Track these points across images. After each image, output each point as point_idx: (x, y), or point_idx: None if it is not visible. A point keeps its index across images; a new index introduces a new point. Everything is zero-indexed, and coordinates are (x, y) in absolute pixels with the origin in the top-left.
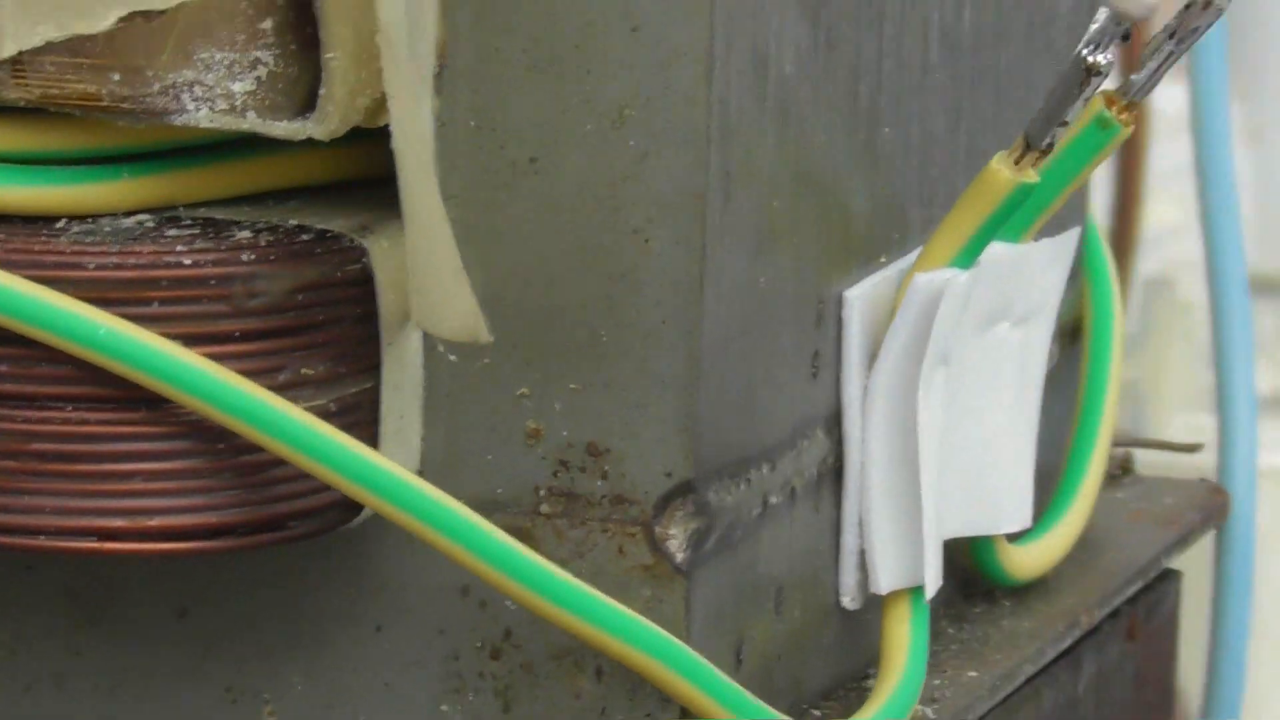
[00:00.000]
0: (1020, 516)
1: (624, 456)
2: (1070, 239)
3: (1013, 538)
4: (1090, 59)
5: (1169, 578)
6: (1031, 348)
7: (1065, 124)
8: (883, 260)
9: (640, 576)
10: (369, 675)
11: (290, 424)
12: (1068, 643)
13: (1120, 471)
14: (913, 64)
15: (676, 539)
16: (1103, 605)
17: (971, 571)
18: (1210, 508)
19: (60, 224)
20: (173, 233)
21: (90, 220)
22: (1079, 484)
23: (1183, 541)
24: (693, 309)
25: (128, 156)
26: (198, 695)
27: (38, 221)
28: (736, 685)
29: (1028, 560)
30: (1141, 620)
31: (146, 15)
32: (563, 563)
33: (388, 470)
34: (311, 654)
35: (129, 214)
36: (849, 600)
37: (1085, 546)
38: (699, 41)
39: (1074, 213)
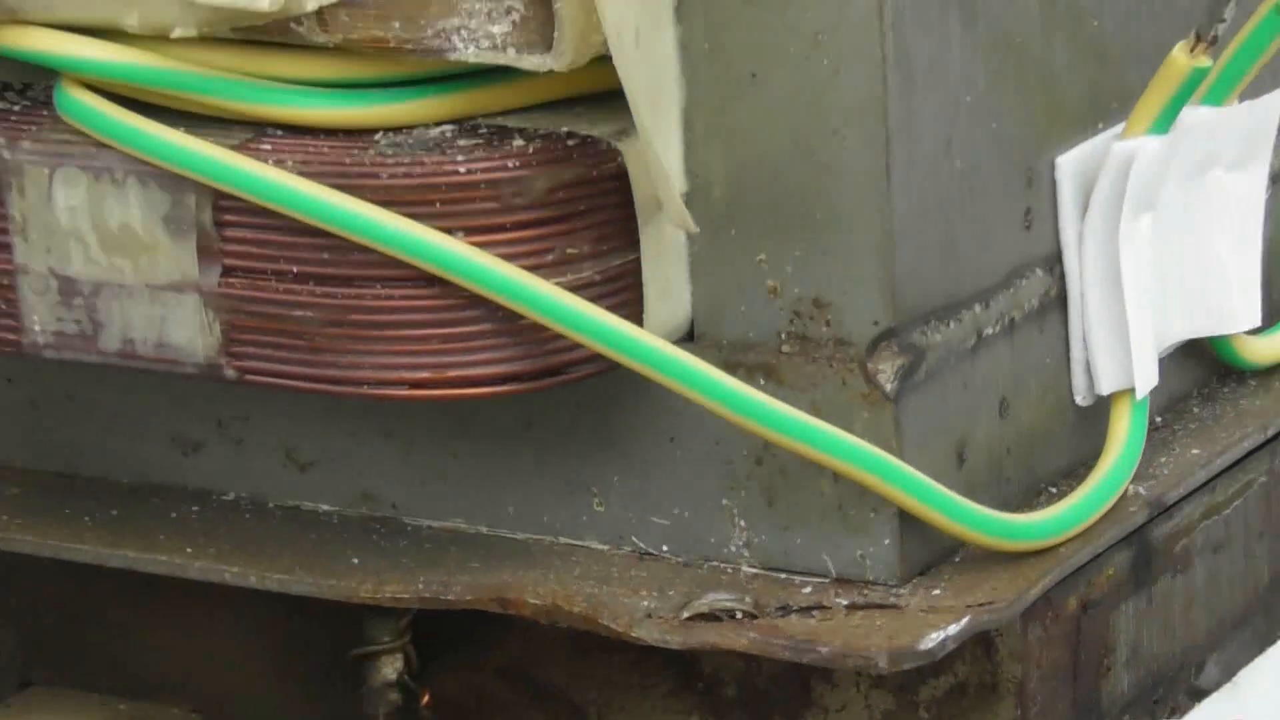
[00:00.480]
0: (1249, 317)
1: (841, 308)
2: (1276, 97)
3: (1255, 332)
4: None
5: None
6: (1248, 185)
7: (1224, 20)
8: (1100, 126)
9: (859, 403)
10: (668, 474)
11: (542, 297)
12: None
13: None
14: None
15: (885, 372)
16: None
17: (1218, 362)
18: None
19: (377, 136)
20: (462, 142)
21: (404, 132)
22: None
23: None
24: (882, 193)
25: (432, 80)
26: (544, 488)
27: (359, 134)
28: (940, 488)
29: (1267, 347)
30: None
31: None
32: (800, 391)
33: (624, 333)
34: (624, 457)
35: (437, 125)
36: (1080, 399)
37: None
38: None
39: None
